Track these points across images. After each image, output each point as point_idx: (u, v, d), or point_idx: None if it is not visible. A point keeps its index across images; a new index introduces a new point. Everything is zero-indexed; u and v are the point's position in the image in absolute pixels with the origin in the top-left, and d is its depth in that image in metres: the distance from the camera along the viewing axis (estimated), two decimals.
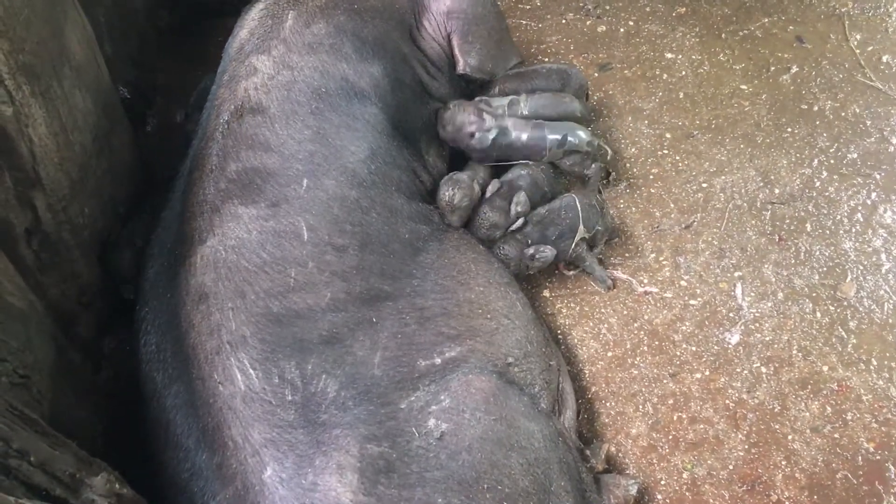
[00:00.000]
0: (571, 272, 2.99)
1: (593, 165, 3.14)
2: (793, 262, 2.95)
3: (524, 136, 3.04)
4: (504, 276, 2.70)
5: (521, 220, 2.85)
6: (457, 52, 3.23)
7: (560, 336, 2.84)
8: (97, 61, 2.73)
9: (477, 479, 2.03)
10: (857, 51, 3.62)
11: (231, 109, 2.60)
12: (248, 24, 2.89)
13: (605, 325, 2.86)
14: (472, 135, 3.02)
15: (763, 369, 2.69)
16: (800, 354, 2.71)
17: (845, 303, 2.83)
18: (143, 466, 2.23)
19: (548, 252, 2.79)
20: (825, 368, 2.68)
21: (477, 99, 3.16)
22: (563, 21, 3.99)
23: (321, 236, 2.41)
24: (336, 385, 2.15)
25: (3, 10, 2.10)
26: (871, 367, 2.66)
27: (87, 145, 2.57)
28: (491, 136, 3.01)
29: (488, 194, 2.95)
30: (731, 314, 2.84)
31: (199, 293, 2.27)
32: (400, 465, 2.02)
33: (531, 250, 2.79)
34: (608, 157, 3.20)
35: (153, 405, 2.29)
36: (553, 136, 3.04)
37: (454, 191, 2.82)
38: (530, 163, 3.07)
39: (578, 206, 2.89)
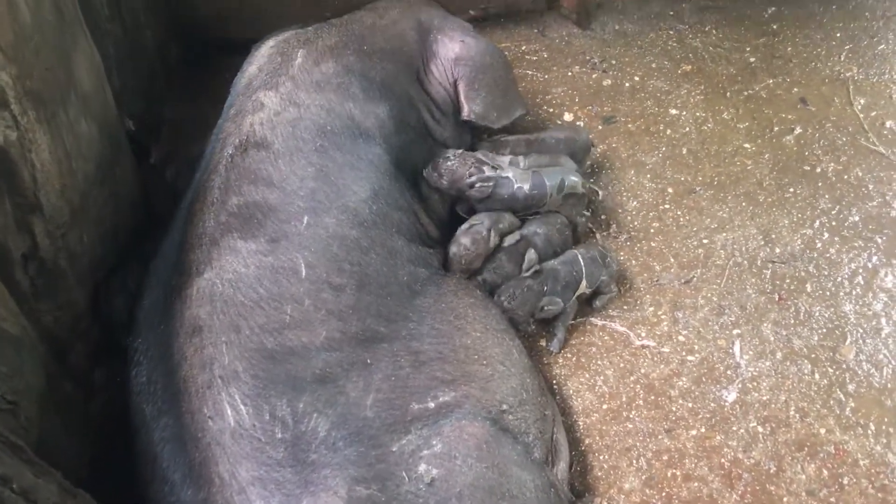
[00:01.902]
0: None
1: (582, 216, 3.16)
2: (792, 322, 2.93)
3: (526, 187, 3.01)
4: (501, 322, 2.68)
5: (534, 269, 2.85)
6: (462, 98, 3.25)
7: (555, 386, 2.81)
8: (104, 90, 2.73)
9: None
10: (861, 115, 3.64)
11: (236, 143, 2.60)
12: (258, 61, 2.91)
13: (601, 377, 2.83)
14: (472, 185, 2.99)
15: (760, 429, 2.65)
16: (797, 415, 2.68)
17: (844, 365, 2.80)
18: (129, 499, 2.19)
19: (557, 304, 2.78)
20: (822, 431, 2.64)
21: (478, 152, 3.16)
22: (569, 73, 4.01)
23: (319, 274, 2.39)
24: (327, 425, 2.12)
25: (13, 36, 2.10)
26: (869, 432, 2.63)
27: (90, 173, 2.56)
28: (490, 185, 2.98)
29: (506, 244, 2.95)
30: (728, 372, 2.81)
31: (193, 326, 2.25)
32: None
33: (543, 301, 2.79)
34: (599, 198, 3.21)
35: (141, 438, 2.25)
36: (551, 182, 3.03)
37: (472, 248, 2.85)
38: (547, 218, 3.07)
39: (581, 261, 2.89)
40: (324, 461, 2.05)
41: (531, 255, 2.89)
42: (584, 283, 2.85)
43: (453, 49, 3.24)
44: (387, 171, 2.78)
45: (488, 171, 3.00)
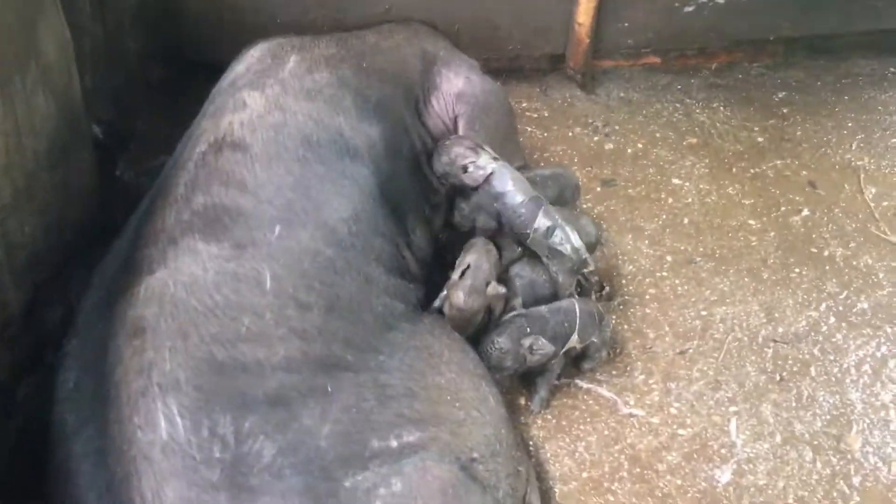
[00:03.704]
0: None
1: (564, 279, 2.85)
2: (794, 405, 2.69)
3: (518, 199, 2.76)
4: (479, 367, 2.42)
5: (515, 312, 2.61)
6: None
7: (531, 449, 2.54)
8: (69, 70, 2.51)
9: None
10: (872, 204, 3.47)
11: (210, 141, 2.38)
12: (246, 60, 2.72)
13: (583, 444, 2.56)
14: (465, 168, 2.80)
15: None
16: None
17: (849, 456, 2.55)
18: None
19: (547, 347, 2.52)
20: None
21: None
22: (570, 134, 3.84)
23: (285, 288, 2.15)
24: (274, 449, 1.85)
25: None
26: None
27: (41, 154, 2.32)
28: (484, 172, 2.78)
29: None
30: (722, 450, 2.55)
31: (135, 327, 1.99)
32: None
33: (528, 341, 2.52)
34: (592, 276, 2.92)
35: (59, 453, 1.97)
36: (543, 221, 2.75)
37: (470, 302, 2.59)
38: (535, 264, 2.83)
39: (577, 312, 2.64)
40: (265, 489, 1.78)
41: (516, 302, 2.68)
42: (575, 336, 2.60)
43: (457, 84, 3.07)
44: (371, 194, 2.55)
45: (483, 158, 2.81)
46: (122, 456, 1.81)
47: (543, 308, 2.67)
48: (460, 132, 3.06)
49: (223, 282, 2.09)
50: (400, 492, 1.85)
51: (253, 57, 2.72)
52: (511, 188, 2.79)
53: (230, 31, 3.68)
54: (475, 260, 2.66)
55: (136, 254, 2.16)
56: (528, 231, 2.76)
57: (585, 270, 2.82)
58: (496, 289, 2.63)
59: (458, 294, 2.57)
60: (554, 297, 2.79)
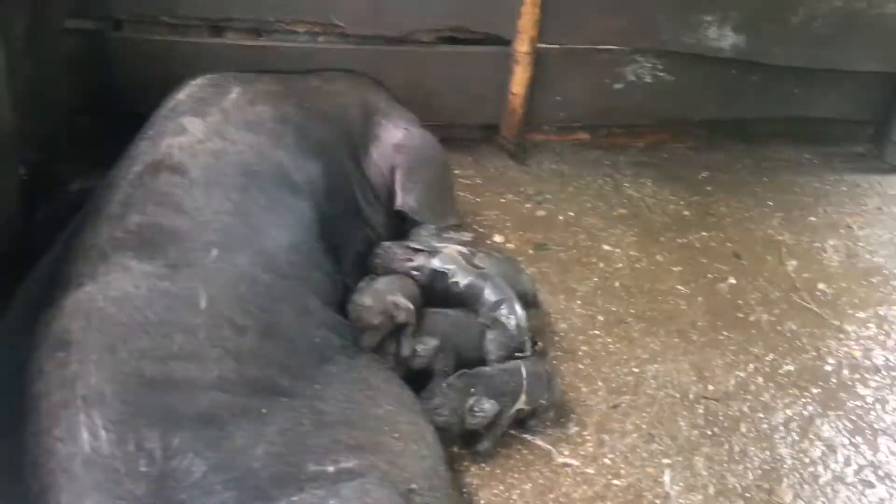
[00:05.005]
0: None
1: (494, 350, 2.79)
2: (726, 458, 2.68)
3: (463, 282, 2.78)
4: (416, 405, 2.36)
5: (457, 374, 2.57)
6: (398, 187, 3.06)
7: (465, 495, 2.46)
8: (3, 88, 2.42)
9: None
10: (794, 275, 3.58)
11: (148, 162, 2.32)
12: (188, 89, 2.67)
13: (518, 492, 2.49)
14: (413, 277, 2.78)
15: None
16: None
17: None
18: None
19: (488, 407, 2.46)
20: None
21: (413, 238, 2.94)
22: (502, 200, 3.89)
23: (220, 310, 2.08)
24: (204, 466, 1.75)
25: None
26: None
27: None
28: (426, 274, 2.77)
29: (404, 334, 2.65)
30: (657, 501, 2.51)
31: (60, 340, 1.88)
32: None
33: (471, 401, 2.46)
34: (527, 353, 2.88)
35: None
36: (491, 294, 2.76)
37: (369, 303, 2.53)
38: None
39: (524, 373, 2.60)
40: (195, 503, 1.66)
41: (427, 342, 2.60)
42: (523, 397, 2.55)
43: (396, 135, 3.08)
44: (311, 228, 2.52)
45: (420, 260, 2.79)
46: (40, 469, 1.68)
47: (490, 368, 2.64)
48: (397, 183, 3.06)
49: (155, 299, 2.01)
50: None
51: (195, 86, 2.69)
52: (457, 277, 2.80)
53: (161, 85, 3.64)
54: (386, 276, 2.71)
55: (64, 268, 2.06)
56: (479, 307, 2.78)
57: (520, 353, 2.76)
58: (397, 298, 2.58)
59: (355, 294, 2.57)
60: (480, 360, 2.75)
